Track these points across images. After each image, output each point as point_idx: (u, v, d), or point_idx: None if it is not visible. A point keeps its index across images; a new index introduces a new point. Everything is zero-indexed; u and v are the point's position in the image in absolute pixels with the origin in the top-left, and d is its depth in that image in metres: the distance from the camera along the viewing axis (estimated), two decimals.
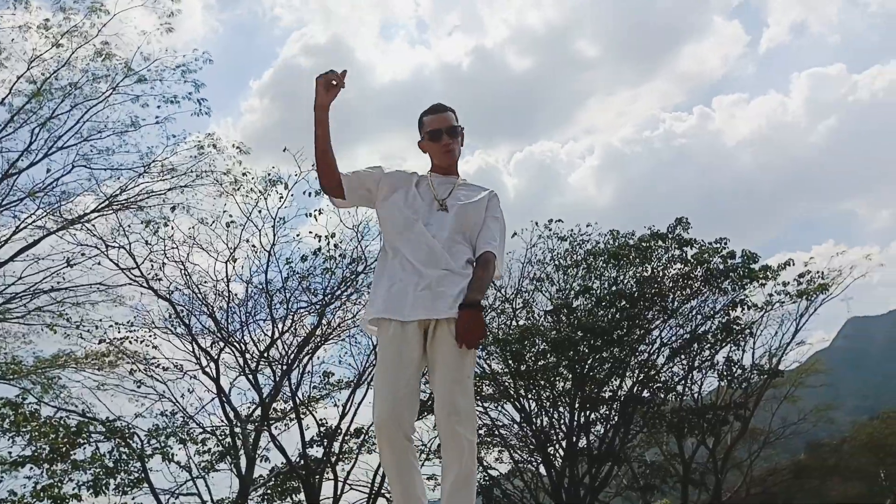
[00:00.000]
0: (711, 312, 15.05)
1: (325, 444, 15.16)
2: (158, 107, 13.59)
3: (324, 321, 14.83)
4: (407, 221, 3.04)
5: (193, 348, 13.71)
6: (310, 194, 14.33)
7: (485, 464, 16.77)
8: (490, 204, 3.19)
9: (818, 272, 16.60)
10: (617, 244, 14.86)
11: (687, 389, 16.48)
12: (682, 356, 15.17)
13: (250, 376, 14.23)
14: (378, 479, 15.35)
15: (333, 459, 14.91)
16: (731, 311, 15.03)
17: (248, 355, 14.16)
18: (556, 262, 15.33)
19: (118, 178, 13.84)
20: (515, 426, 16.30)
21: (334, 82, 2.95)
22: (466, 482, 2.91)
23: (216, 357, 13.70)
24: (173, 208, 13.36)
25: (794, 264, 16.15)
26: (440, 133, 3.13)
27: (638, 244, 14.50)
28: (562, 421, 15.55)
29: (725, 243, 15.01)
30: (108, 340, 13.45)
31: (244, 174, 13.58)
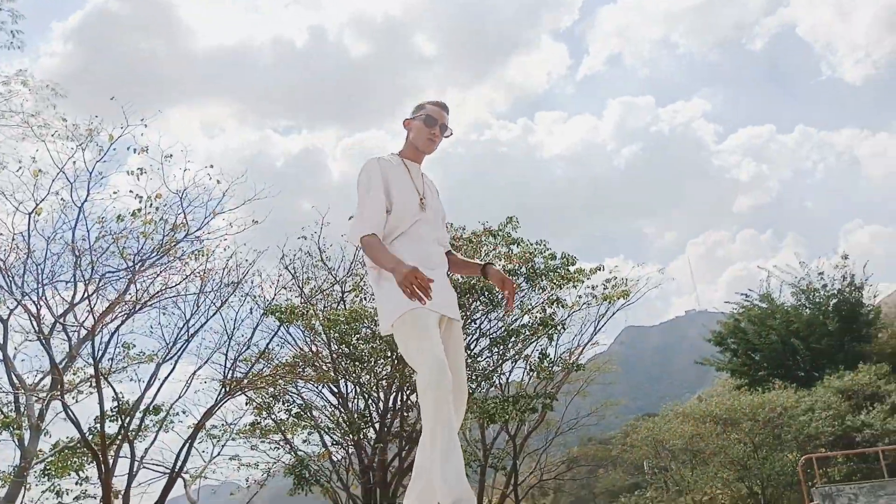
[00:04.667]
0: (529, 308, 15.89)
1: (122, 418, 14.06)
2: None
3: (134, 288, 13.76)
4: (410, 222, 3.25)
5: None
6: (135, 150, 13.24)
7: (293, 444, 16.48)
8: (441, 204, 3.55)
9: (622, 279, 18.16)
10: (451, 236, 15.19)
11: (497, 379, 17.32)
12: (499, 347, 15.86)
13: (43, 342, 12.85)
14: (179, 461, 14.51)
15: (132, 436, 13.86)
16: (547, 308, 15.93)
17: (41, 319, 12.74)
18: None
19: None
20: (330, 408, 16.20)
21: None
22: None
23: (6, 318, 12.19)
24: None
25: (603, 269, 17.55)
26: (435, 122, 3.34)
27: (471, 237, 14.93)
28: (378, 404, 15.65)
29: (546, 245, 15.95)
30: None
31: (64, 119, 12.20)
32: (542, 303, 15.68)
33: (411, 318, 3.09)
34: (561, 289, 15.64)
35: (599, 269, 17.00)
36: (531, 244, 15.55)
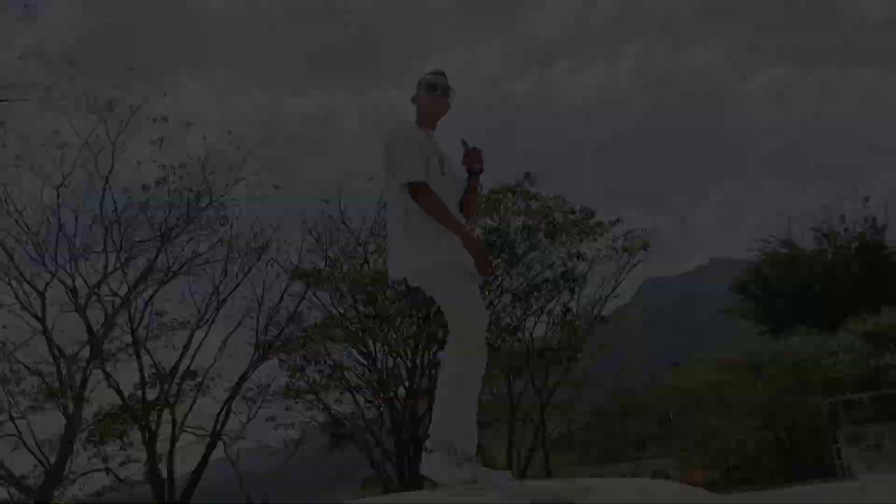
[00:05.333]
0: (550, 262, 16.01)
1: (161, 385, 14.53)
2: None
3: (165, 257, 14.12)
4: (434, 187, 3.34)
5: (9, 281, 12.51)
6: (154, 120, 13.47)
7: (327, 404, 16.92)
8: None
9: (642, 230, 18.14)
10: None
11: (521, 334, 17.51)
12: (522, 302, 16.03)
13: (79, 312, 13.26)
14: (218, 424, 14.96)
15: (171, 401, 14.35)
16: (568, 262, 16.02)
17: (77, 290, 13.14)
18: None
19: None
20: (360, 368, 16.55)
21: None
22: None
23: (42, 291, 12.60)
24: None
25: (622, 221, 17.54)
26: (436, 86, 3.58)
27: (489, 194, 14.99)
28: (406, 362, 15.96)
29: (564, 200, 15.97)
30: None
31: (84, 92, 12.43)
32: (563, 257, 15.78)
33: (460, 272, 3.32)
34: (581, 242, 15.71)
35: (619, 222, 17.00)
36: (549, 199, 15.59)
